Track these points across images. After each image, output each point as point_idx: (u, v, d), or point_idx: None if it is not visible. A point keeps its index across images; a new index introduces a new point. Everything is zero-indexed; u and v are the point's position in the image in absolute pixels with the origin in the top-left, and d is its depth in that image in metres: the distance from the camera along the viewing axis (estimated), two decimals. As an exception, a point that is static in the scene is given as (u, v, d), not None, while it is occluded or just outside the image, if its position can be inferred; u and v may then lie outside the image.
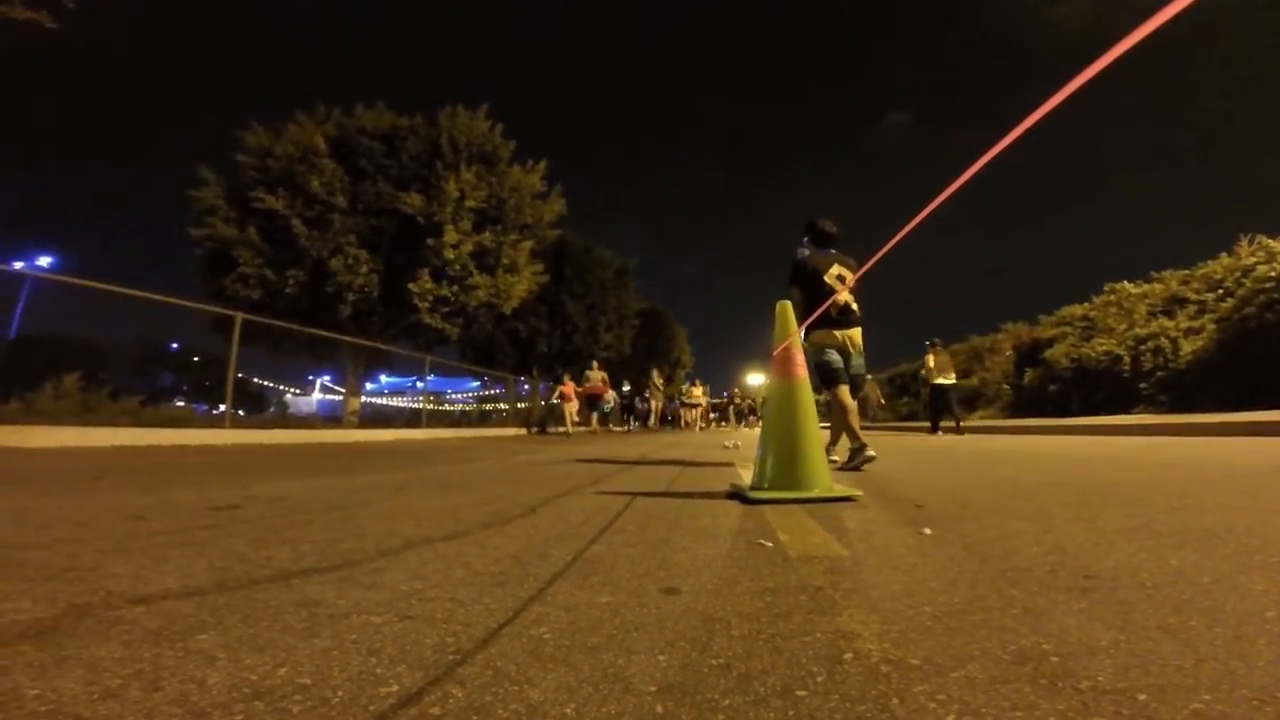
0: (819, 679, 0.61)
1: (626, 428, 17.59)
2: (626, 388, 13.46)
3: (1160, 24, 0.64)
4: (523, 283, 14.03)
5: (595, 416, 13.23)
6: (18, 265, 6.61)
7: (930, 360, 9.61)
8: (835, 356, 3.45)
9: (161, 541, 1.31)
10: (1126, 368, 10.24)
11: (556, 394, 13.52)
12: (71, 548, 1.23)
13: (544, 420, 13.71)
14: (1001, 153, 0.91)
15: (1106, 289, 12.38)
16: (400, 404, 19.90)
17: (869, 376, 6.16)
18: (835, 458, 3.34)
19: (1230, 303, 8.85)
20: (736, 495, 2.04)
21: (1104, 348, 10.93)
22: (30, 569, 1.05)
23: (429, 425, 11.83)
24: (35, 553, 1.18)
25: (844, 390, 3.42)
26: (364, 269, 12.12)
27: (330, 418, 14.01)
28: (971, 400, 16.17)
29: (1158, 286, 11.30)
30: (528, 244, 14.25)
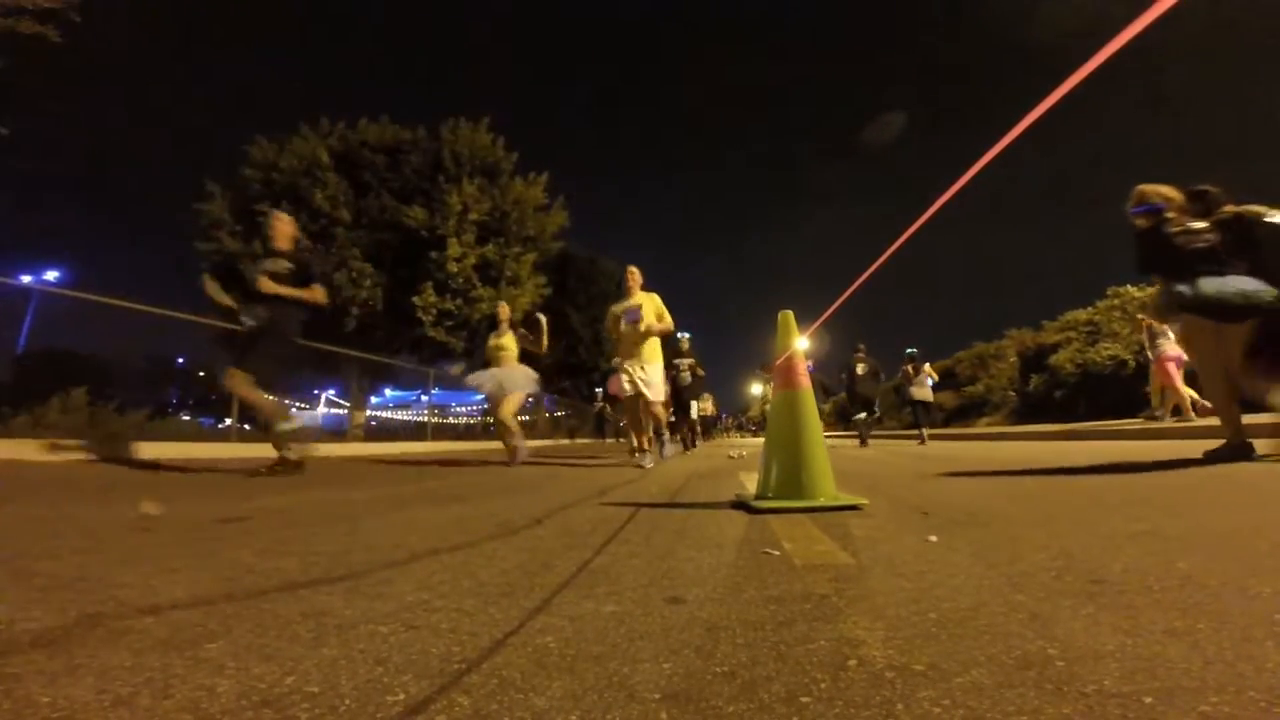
0: (823, 686, 0.61)
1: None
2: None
3: (1150, 22, 0.65)
4: (526, 295, 14.11)
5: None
6: (25, 279, 6.67)
7: None
8: None
9: (170, 552, 1.32)
10: (1132, 371, 10.19)
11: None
12: (81, 558, 1.24)
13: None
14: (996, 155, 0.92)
15: (1109, 292, 12.34)
16: (405, 417, 19.89)
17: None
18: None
19: (1235, 306, 8.82)
20: (741, 505, 2.03)
21: (1109, 352, 10.89)
22: (41, 579, 1.06)
23: (434, 438, 11.84)
24: (46, 563, 1.19)
25: None
26: (368, 283, 12.22)
27: (335, 431, 14.05)
28: (978, 407, 16.07)
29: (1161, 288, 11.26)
30: (530, 256, 14.34)
